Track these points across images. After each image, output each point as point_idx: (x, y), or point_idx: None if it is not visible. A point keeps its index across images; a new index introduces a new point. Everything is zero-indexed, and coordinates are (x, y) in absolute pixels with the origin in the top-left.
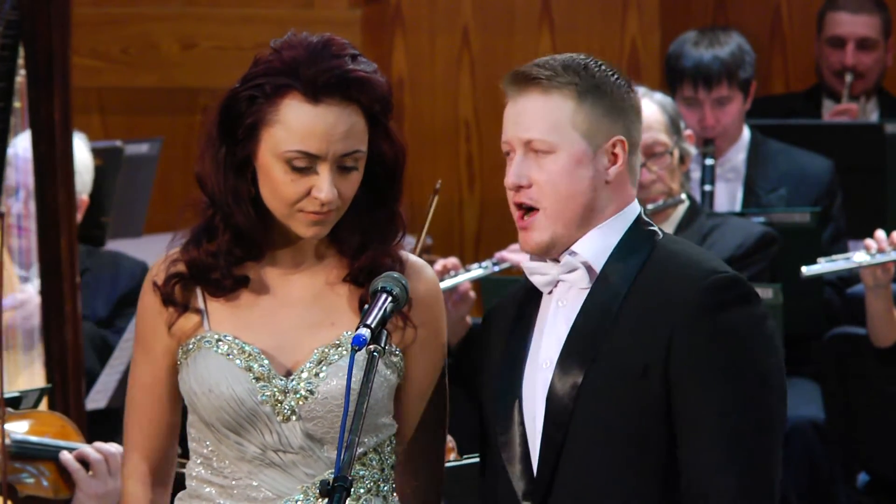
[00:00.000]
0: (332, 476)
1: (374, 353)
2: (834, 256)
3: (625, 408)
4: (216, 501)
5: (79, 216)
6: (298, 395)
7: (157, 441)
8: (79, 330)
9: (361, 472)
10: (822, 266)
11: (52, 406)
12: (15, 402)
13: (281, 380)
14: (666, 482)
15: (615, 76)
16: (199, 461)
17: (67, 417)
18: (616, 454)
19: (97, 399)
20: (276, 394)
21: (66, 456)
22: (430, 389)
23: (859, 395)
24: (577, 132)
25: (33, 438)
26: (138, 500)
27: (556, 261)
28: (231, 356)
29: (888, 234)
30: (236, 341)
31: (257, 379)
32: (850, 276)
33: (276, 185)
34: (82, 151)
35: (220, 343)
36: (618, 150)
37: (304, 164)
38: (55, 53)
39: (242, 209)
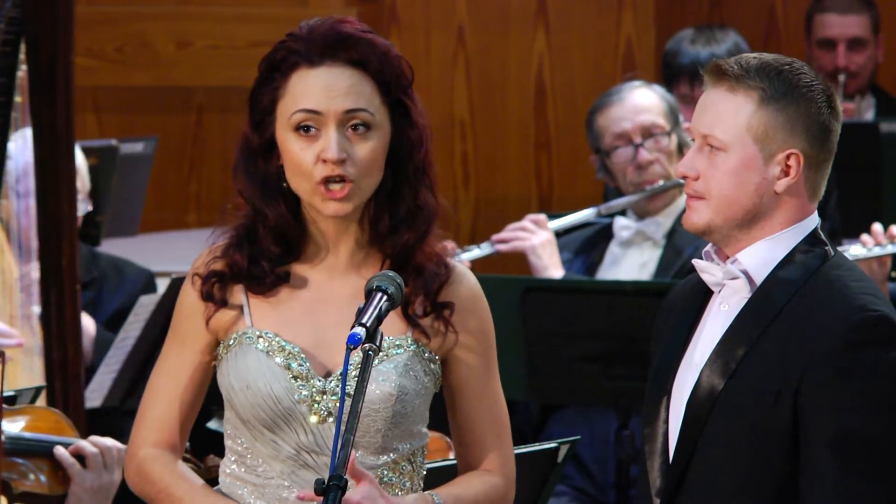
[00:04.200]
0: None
1: (370, 353)
2: None
3: (753, 427)
4: (247, 502)
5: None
6: (335, 397)
7: (167, 434)
8: (79, 334)
9: (393, 479)
10: None
11: None
12: (10, 401)
13: (319, 380)
14: None
15: (814, 91)
16: (233, 458)
17: (62, 412)
18: (738, 470)
19: (92, 398)
20: (314, 394)
21: (60, 451)
22: (483, 394)
23: None
24: (751, 136)
25: (28, 434)
26: (161, 460)
27: (725, 260)
28: (271, 353)
29: (885, 228)
30: (277, 338)
31: (295, 378)
32: None
33: (291, 157)
34: (77, 154)
35: (261, 339)
36: (791, 162)
37: (309, 123)
38: (58, 56)
39: (273, 203)
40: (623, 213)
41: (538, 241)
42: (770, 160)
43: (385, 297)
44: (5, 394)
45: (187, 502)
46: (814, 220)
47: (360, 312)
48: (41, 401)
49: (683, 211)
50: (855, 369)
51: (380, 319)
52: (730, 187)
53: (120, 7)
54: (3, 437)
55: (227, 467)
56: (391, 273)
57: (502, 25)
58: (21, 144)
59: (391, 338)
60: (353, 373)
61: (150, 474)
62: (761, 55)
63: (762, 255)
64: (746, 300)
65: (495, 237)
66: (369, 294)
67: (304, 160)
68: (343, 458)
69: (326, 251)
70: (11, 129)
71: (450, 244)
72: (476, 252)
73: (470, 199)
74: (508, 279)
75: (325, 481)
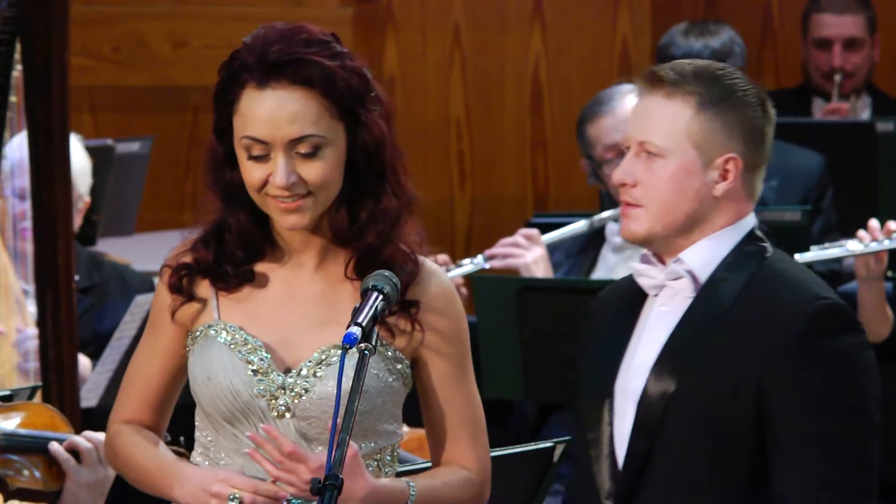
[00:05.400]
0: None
1: (365, 352)
2: (827, 245)
3: (712, 424)
4: None
5: (79, 219)
6: (294, 393)
7: (137, 413)
8: (74, 334)
9: None
10: (815, 254)
11: None
12: (6, 401)
13: (279, 375)
14: (747, 502)
15: (749, 94)
16: (199, 451)
17: (56, 409)
18: (700, 469)
19: (88, 398)
20: (273, 389)
21: (55, 446)
22: (456, 394)
23: None
24: (689, 142)
25: (22, 431)
26: (124, 431)
27: (663, 264)
28: (233, 346)
29: (882, 224)
30: (240, 332)
31: (255, 372)
32: (842, 274)
33: (244, 173)
34: (80, 154)
35: (224, 332)
36: (729, 166)
37: (259, 152)
38: (53, 56)
39: (234, 210)
40: (615, 218)
41: (531, 257)
42: (709, 165)
43: (381, 297)
44: (1, 393)
45: (143, 468)
46: (751, 220)
47: (356, 312)
48: (37, 400)
49: None
50: (817, 358)
51: (375, 319)
52: (669, 194)
53: (116, 7)
54: None
55: (194, 459)
56: (387, 273)
57: (498, 25)
58: (20, 145)
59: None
60: (313, 369)
61: (117, 446)
62: (695, 61)
63: (706, 253)
64: (692, 300)
65: (488, 252)
66: (365, 293)
67: (255, 179)
68: (339, 458)
69: (292, 252)
70: (7, 130)
71: (442, 258)
72: (469, 267)
73: (466, 199)
74: (504, 279)
75: (321, 480)
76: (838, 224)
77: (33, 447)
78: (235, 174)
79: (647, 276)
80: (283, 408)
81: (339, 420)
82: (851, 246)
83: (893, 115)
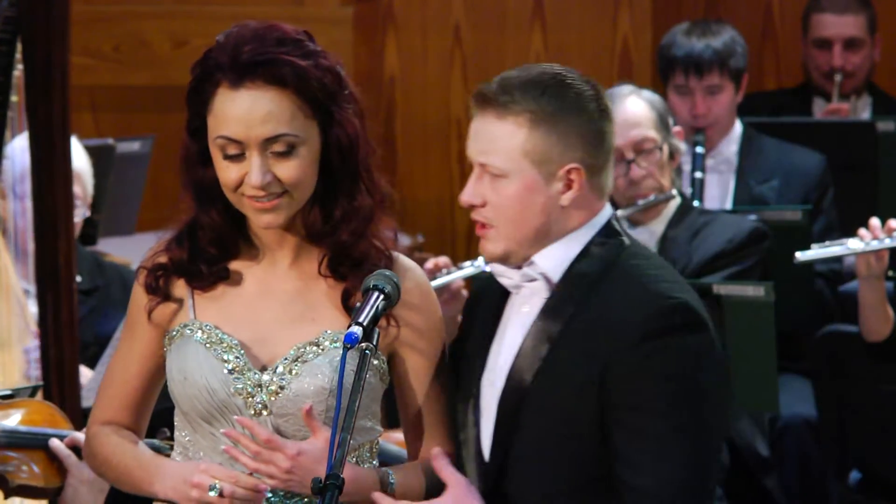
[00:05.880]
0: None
1: (366, 352)
2: (828, 243)
3: (562, 423)
4: None
5: (80, 221)
6: (270, 390)
7: (116, 414)
8: (75, 333)
9: None
10: (816, 252)
11: None
12: (6, 399)
13: (255, 373)
14: (606, 499)
15: (583, 99)
16: (179, 450)
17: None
18: (553, 466)
19: (88, 397)
20: (249, 387)
21: (56, 443)
22: (432, 390)
23: (852, 393)
24: (528, 160)
25: (23, 428)
26: (103, 432)
27: (519, 267)
28: (209, 345)
29: (883, 223)
30: (216, 331)
31: (231, 370)
32: (843, 273)
33: (218, 172)
34: (82, 155)
35: (200, 331)
36: (573, 176)
37: (233, 151)
38: (54, 56)
39: (206, 208)
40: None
41: None
42: (551, 178)
43: (382, 297)
44: (2, 392)
45: (122, 467)
46: (606, 214)
47: (357, 311)
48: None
49: (673, 217)
50: (655, 357)
51: (376, 319)
52: (516, 212)
53: (116, 6)
54: None
55: (175, 459)
56: (388, 272)
57: (499, 24)
58: (21, 146)
59: (329, 332)
60: (289, 366)
61: (95, 447)
62: (524, 72)
63: (557, 255)
64: (544, 301)
65: None
66: (366, 293)
67: (230, 179)
68: (340, 458)
69: (266, 249)
70: (8, 129)
71: (442, 260)
72: (470, 269)
73: None
74: None
75: (322, 480)
76: (839, 224)
77: (34, 444)
78: (209, 172)
79: (506, 276)
80: (259, 405)
81: (340, 420)
82: (852, 244)
83: (894, 115)
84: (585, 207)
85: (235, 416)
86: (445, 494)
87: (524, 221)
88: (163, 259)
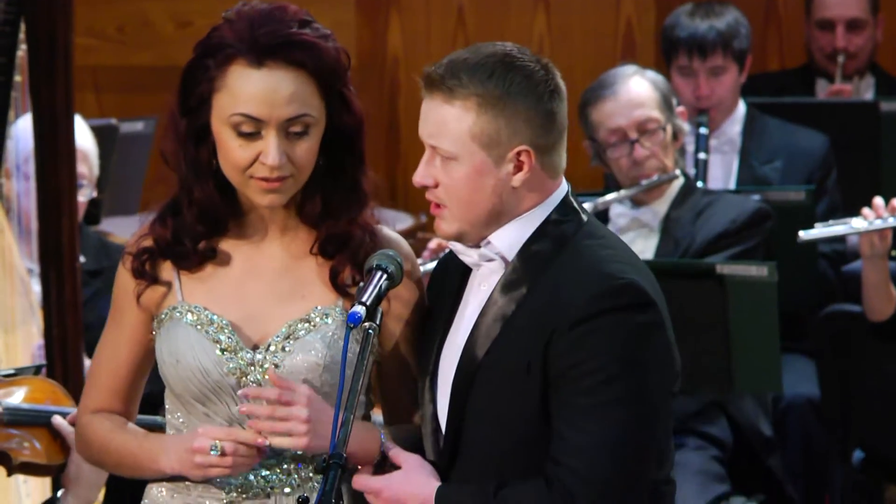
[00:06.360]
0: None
1: (370, 331)
2: (831, 222)
3: (508, 400)
4: (182, 476)
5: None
6: (263, 369)
7: (108, 402)
8: (79, 312)
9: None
10: (820, 231)
11: None
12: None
13: (248, 352)
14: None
15: (532, 80)
16: (172, 433)
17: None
18: (499, 442)
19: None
20: (242, 366)
21: (58, 420)
22: (410, 364)
23: (855, 373)
24: (476, 144)
25: (25, 405)
26: (95, 420)
27: (478, 246)
28: (199, 327)
29: (886, 202)
30: (205, 312)
31: (224, 350)
32: (846, 253)
33: (227, 152)
34: (87, 137)
35: (189, 313)
36: (523, 158)
37: (249, 129)
38: (57, 36)
39: (201, 183)
40: (620, 200)
41: None
42: (501, 161)
43: (385, 276)
44: (5, 372)
45: (123, 451)
46: (561, 192)
47: (360, 291)
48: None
49: (676, 197)
50: (594, 334)
51: (379, 298)
52: (466, 194)
53: None
54: (1, 409)
55: None
56: (391, 252)
57: (502, 6)
58: (26, 126)
59: (319, 308)
60: (281, 344)
61: (90, 435)
62: (473, 53)
63: (513, 234)
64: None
65: None
66: (369, 272)
67: (242, 158)
68: (343, 437)
69: (255, 227)
70: (12, 110)
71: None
72: None
73: None
74: None
75: (325, 459)
76: (842, 204)
77: (36, 421)
78: (202, 151)
79: (466, 255)
80: (253, 384)
81: (343, 399)
82: (856, 223)
83: None
84: (538, 188)
85: (239, 392)
86: (399, 471)
87: (475, 203)
88: (147, 242)
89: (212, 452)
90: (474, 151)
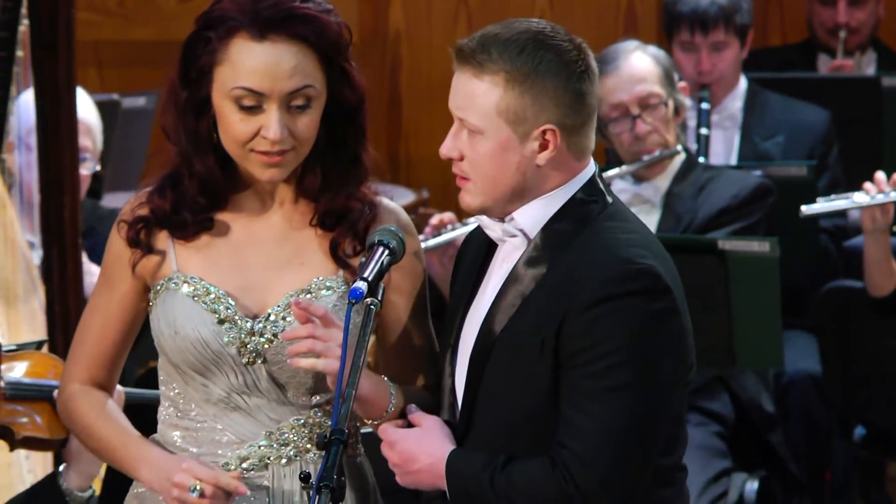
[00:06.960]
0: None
1: (371, 307)
2: (833, 196)
3: (520, 377)
4: (181, 447)
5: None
6: (264, 339)
7: (95, 371)
8: (80, 287)
9: (326, 421)
10: (822, 205)
11: None
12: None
13: (247, 321)
14: None
15: (564, 58)
16: (167, 404)
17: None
18: (509, 419)
19: None
20: (242, 336)
21: None
22: (410, 334)
23: (856, 349)
24: (503, 119)
25: (27, 380)
26: (80, 394)
27: (503, 220)
28: (197, 297)
29: (888, 177)
30: (202, 283)
31: (222, 321)
32: (848, 228)
33: (228, 125)
34: (91, 110)
35: (186, 284)
36: (548, 136)
37: (251, 103)
38: (59, 11)
39: (201, 156)
40: (622, 175)
41: None
42: (526, 138)
43: (386, 252)
44: (7, 348)
45: (105, 442)
46: (589, 171)
47: (362, 267)
48: None
49: (678, 173)
50: (606, 318)
51: (381, 274)
52: (491, 169)
53: None
54: (2, 383)
55: (162, 414)
56: (393, 227)
57: None
58: (28, 100)
59: (321, 279)
60: (282, 313)
61: (74, 411)
62: (505, 28)
63: (537, 213)
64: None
65: None
66: (371, 248)
67: (243, 132)
68: (345, 413)
69: (255, 200)
70: (14, 85)
71: (447, 216)
72: (474, 225)
73: None
74: None
75: (327, 435)
76: (844, 179)
77: (38, 396)
78: (202, 123)
79: (491, 229)
80: (253, 353)
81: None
82: (857, 198)
83: None
84: (563, 167)
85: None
86: (418, 428)
87: (499, 179)
88: (143, 211)
89: (191, 493)
90: (500, 127)
